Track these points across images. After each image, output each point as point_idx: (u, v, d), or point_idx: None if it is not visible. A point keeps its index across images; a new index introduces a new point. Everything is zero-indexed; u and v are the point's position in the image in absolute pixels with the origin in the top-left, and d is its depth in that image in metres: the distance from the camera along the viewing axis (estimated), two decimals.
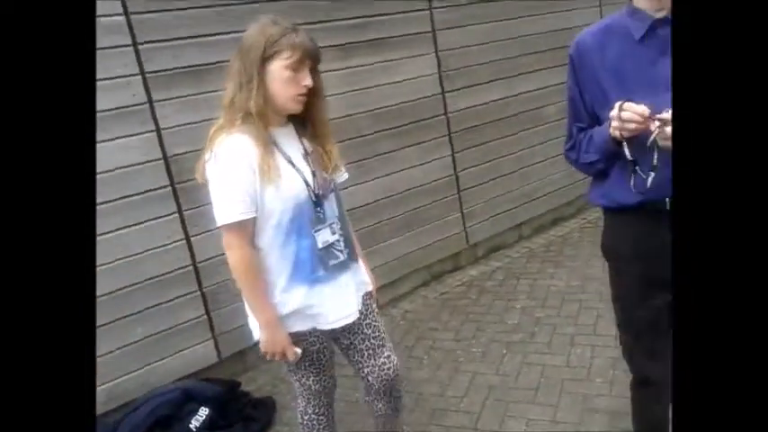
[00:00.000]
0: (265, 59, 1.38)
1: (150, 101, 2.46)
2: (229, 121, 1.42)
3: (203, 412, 2.32)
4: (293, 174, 1.46)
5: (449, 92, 3.53)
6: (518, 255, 3.87)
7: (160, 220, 2.52)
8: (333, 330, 1.58)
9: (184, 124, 2.53)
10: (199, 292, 2.66)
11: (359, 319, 1.60)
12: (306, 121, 1.52)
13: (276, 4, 2.71)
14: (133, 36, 2.39)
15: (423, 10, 3.36)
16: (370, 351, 1.64)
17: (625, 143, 1.29)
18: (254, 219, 1.43)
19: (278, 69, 1.39)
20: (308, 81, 1.42)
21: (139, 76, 2.42)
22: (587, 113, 1.45)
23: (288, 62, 1.39)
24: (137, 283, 2.49)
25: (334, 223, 1.52)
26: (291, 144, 1.50)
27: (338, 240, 1.53)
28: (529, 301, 3.19)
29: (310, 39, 1.43)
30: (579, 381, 2.40)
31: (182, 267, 2.60)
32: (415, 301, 3.39)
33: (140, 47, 2.41)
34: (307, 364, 1.62)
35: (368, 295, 1.67)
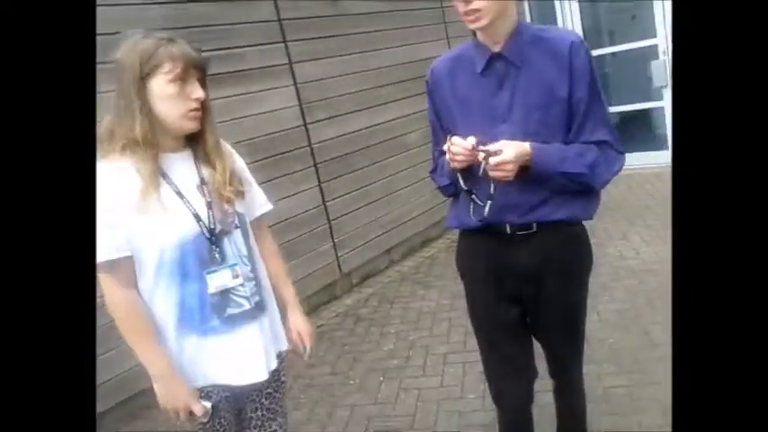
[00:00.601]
0: (144, 77, 1.20)
1: None
2: (106, 152, 1.24)
3: None
4: (180, 207, 1.26)
5: (311, 123, 3.54)
6: (390, 279, 3.94)
7: None
8: (233, 388, 1.35)
9: None
10: None
11: (261, 383, 1.37)
12: (198, 142, 1.33)
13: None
14: None
15: (278, 42, 3.35)
16: (258, 422, 1.45)
17: (459, 174, 1.36)
18: (131, 259, 1.25)
19: (161, 86, 1.21)
20: (198, 93, 1.25)
21: None
22: (445, 138, 1.45)
23: (171, 75, 1.20)
24: None
25: (237, 265, 1.31)
26: (184, 172, 1.30)
27: (242, 285, 1.31)
28: (402, 324, 3.25)
29: (192, 47, 1.25)
30: (454, 399, 2.47)
31: None
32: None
33: None
34: (207, 427, 1.38)
35: (281, 356, 1.45)
